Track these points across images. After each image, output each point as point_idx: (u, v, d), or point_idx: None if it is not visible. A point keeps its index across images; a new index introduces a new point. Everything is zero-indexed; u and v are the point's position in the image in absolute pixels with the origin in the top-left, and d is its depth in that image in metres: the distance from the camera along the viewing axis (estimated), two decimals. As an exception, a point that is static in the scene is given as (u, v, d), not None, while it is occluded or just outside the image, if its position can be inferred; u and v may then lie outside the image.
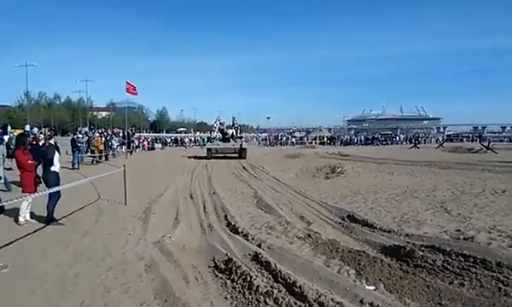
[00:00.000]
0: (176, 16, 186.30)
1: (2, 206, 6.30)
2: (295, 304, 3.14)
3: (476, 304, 3.12)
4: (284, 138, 52.82)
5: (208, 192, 9.94)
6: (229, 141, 24.64)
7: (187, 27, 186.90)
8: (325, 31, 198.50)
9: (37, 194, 6.03)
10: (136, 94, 34.36)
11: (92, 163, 18.29)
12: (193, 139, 54.92)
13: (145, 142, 38.11)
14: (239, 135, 27.03)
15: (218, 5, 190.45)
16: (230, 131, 25.81)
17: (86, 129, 43.39)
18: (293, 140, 52.85)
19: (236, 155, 23.24)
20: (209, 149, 24.00)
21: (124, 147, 26.37)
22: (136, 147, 33.05)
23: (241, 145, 23.81)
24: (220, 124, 26.99)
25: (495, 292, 3.30)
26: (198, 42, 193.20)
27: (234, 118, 28.47)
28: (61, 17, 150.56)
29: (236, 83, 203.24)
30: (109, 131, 31.89)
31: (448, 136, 59.34)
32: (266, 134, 63.68)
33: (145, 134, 56.63)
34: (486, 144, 27.09)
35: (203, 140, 49.57)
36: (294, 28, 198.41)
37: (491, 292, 3.31)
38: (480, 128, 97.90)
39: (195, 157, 24.80)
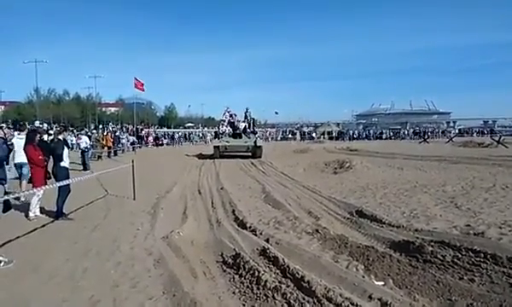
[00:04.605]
0: (183, 13, 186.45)
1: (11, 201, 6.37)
2: (303, 299, 3.12)
3: (487, 299, 3.07)
4: (290, 134, 51.98)
5: (216, 187, 9.96)
6: (240, 138, 21.03)
7: (194, 23, 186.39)
8: (333, 26, 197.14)
9: (46, 187, 6.09)
10: (143, 90, 34.57)
11: (98, 159, 18.44)
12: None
13: (150, 138, 36.85)
14: (252, 129, 23.00)
15: (226, 1, 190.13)
16: (242, 125, 22.28)
17: (92, 126, 43.46)
18: (309, 135, 51.47)
19: (249, 154, 19.88)
20: (217, 147, 20.30)
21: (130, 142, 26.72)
22: (145, 142, 33.33)
23: (255, 142, 20.20)
24: (230, 116, 22.93)
25: (506, 287, 3.25)
26: (205, 38, 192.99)
27: (247, 110, 23.63)
28: (70, 13, 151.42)
29: (244, 78, 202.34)
30: (119, 127, 32.27)
31: (459, 130, 58.54)
32: (274, 129, 63.24)
33: (155, 129, 56.26)
34: (497, 138, 26.68)
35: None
36: (302, 23, 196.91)
37: (502, 287, 3.26)
38: (490, 122, 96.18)
39: (200, 156, 22.59)
